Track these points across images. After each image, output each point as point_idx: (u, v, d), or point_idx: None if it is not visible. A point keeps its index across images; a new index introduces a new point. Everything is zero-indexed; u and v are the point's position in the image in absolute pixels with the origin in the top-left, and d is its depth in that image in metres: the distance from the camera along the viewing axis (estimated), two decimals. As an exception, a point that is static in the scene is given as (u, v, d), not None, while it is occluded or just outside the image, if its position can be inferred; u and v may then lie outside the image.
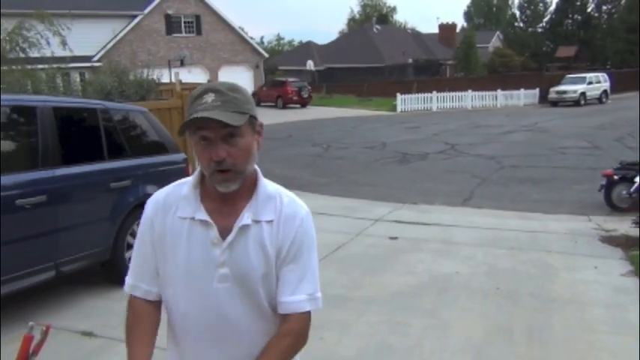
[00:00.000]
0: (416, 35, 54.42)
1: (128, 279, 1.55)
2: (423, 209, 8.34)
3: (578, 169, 11.38)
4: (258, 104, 32.16)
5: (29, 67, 11.34)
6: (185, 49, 31.01)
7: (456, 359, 3.72)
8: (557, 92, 30.06)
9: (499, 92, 31.72)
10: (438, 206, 8.60)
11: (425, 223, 7.37)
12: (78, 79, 14.88)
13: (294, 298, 1.45)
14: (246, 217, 1.43)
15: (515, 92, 32.16)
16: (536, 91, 32.65)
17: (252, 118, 1.44)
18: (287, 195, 1.51)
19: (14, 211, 3.82)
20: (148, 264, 1.51)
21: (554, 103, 29.82)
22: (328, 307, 4.53)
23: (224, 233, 1.43)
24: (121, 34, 29.41)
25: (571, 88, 29.71)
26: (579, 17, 52.23)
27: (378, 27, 51.69)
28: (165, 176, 5.25)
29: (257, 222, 1.44)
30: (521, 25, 57.82)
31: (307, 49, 49.70)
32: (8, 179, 3.86)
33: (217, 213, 1.45)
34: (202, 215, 1.44)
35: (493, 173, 11.33)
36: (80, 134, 4.83)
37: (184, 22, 32.78)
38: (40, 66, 11.52)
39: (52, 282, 4.18)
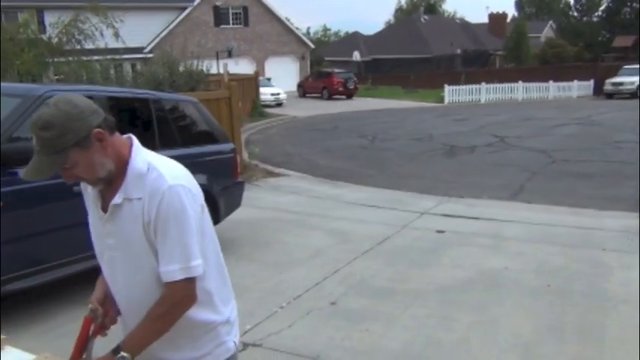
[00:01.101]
0: (465, 25, 53.30)
1: None
2: (470, 203, 8.18)
3: (634, 164, 10.92)
4: (303, 95, 32.34)
5: (85, 58, 11.71)
6: (233, 41, 31.36)
7: (504, 356, 3.65)
8: (613, 84, 28.89)
9: (551, 84, 30.76)
10: (486, 200, 8.42)
11: (472, 217, 7.24)
12: (130, 70, 15.29)
13: (167, 268, 1.57)
14: (117, 197, 1.60)
15: (568, 84, 31.12)
16: (591, 82, 31.49)
17: (78, 142, 1.50)
18: (156, 170, 1.60)
19: (71, 198, 3.96)
20: None
21: (610, 95, 28.69)
22: (374, 299, 4.59)
23: (107, 209, 1.64)
24: (171, 26, 30.01)
25: (628, 79, 28.48)
26: (638, 5, 49.94)
27: (425, 17, 50.91)
28: (214, 165, 5.34)
29: (129, 200, 1.59)
30: (576, 14, 55.78)
31: (354, 39, 49.46)
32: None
33: (106, 193, 1.64)
34: (94, 195, 1.67)
35: (544, 167, 11.00)
36: (133, 124, 4.95)
37: (232, 14, 33.15)
38: (95, 57, 11.89)
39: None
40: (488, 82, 30.41)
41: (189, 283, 1.59)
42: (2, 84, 5.50)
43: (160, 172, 1.58)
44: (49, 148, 1.49)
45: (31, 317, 4.05)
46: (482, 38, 49.41)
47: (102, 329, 1.72)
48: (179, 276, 1.56)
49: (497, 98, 29.79)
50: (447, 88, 29.48)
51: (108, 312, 1.73)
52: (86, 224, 4.35)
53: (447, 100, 29.11)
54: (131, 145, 1.64)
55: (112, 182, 1.61)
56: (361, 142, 14.97)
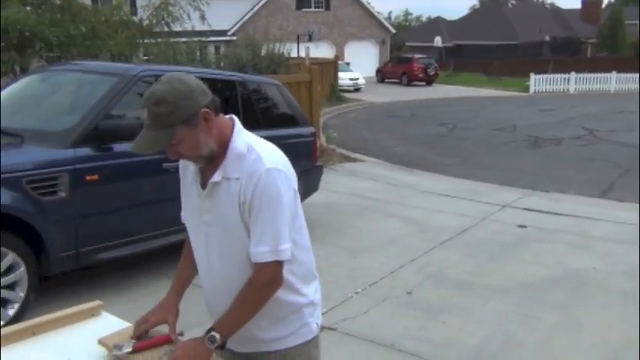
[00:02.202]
0: (555, 11, 50.70)
1: (181, 212, 1.86)
2: (555, 198, 7.81)
3: None
4: (382, 81, 31.98)
5: (172, 40, 12.10)
6: (313, 24, 31.43)
7: (590, 361, 3.47)
8: None
9: (648, 75, 28.70)
10: (573, 196, 8.01)
11: (557, 213, 6.91)
12: (213, 52, 15.67)
13: (257, 249, 1.59)
14: (216, 175, 1.63)
15: (667, 75, 28.91)
16: (695, 74, 29.11)
17: (186, 120, 1.53)
18: (255, 152, 1.61)
19: (161, 174, 4.13)
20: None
21: None
22: (451, 290, 4.49)
23: (206, 186, 1.67)
24: (255, 9, 30.48)
25: None
26: None
27: (513, 2, 48.85)
28: (294, 148, 5.38)
29: (227, 179, 1.61)
30: (681, -1, 51.53)
31: (435, 25, 48.26)
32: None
33: (206, 171, 1.67)
34: (194, 172, 1.71)
35: (637, 164, 10.32)
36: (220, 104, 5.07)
37: (314, -3, 33.19)
38: (181, 39, 12.26)
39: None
40: (578, 71, 28.76)
41: (277, 265, 1.61)
42: (99, 63, 5.80)
43: (259, 155, 1.60)
44: (159, 124, 1.53)
45: (122, 286, 4.27)
46: (574, 25, 46.76)
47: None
48: (268, 258, 1.59)
49: (587, 89, 28.18)
50: (533, 76, 28.19)
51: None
52: (172, 200, 4.50)
53: (532, 90, 27.87)
54: (233, 125, 1.67)
55: (212, 161, 1.64)
56: (440, 130, 14.64)
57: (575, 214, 6.86)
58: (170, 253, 4.92)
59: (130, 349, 1.65)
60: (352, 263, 4.99)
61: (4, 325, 3.41)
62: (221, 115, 1.65)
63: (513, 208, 7.13)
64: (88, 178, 3.83)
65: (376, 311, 4.07)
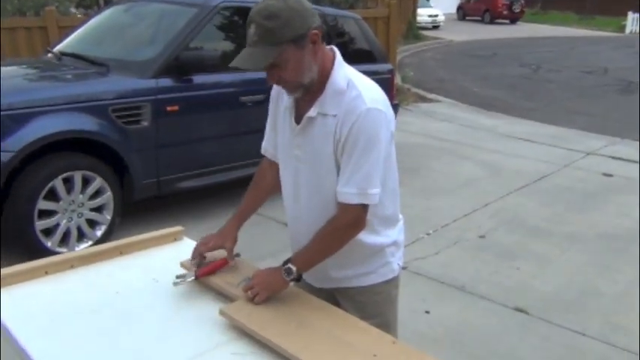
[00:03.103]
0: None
1: (263, 142, 1.85)
2: (646, 147, 7.31)
3: None
4: (463, 18, 30.50)
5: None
6: (393, -43, 30.08)
7: (674, 318, 3.30)
8: None
9: None
10: (667, 145, 7.46)
11: (647, 163, 6.49)
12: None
13: (345, 190, 1.54)
14: (312, 110, 1.56)
15: None
16: None
17: (295, 39, 1.46)
18: (356, 89, 1.53)
19: (238, 107, 4.18)
20: (272, 134, 1.80)
21: None
22: (526, 237, 4.36)
23: (300, 121, 1.61)
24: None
25: None
26: None
27: None
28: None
29: (324, 115, 1.55)
30: None
31: (524, -43, 44.94)
32: (234, 77, 4.22)
33: (300, 105, 1.61)
34: (289, 105, 1.64)
35: None
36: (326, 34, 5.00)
37: None
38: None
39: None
40: (683, 9, 26.24)
41: (363, 208, 1.56)
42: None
43: (360, 92, 1.52)
44: (268, 39, 1.45)
45: (199, 215, 4.43)
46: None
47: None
48: (355, 200, 1.54)
49: (692, 29, 25.72)
50: (631, 15, 25.96)
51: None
52: (248, 133, 4.58)
53: (628, 30, 25.76)
54: (334, 57, 1.58)
55: (309, 94, 1.57)
56: (522, 72, 13.90)
57: (667, 165, 6.41)
58: (245, 186, 5.05)
59: (192, 277, 1.71)
60: (424, 204, 4.93)
61: (94, 245, 3.66)
62: (324, 44, 1.57)
63: (599, 156, 6.75)
64: (168, 108, 3.93)
65: (447, 253, 4.04)
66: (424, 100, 10.04)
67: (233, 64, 1.50)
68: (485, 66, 14.81)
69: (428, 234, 4.35)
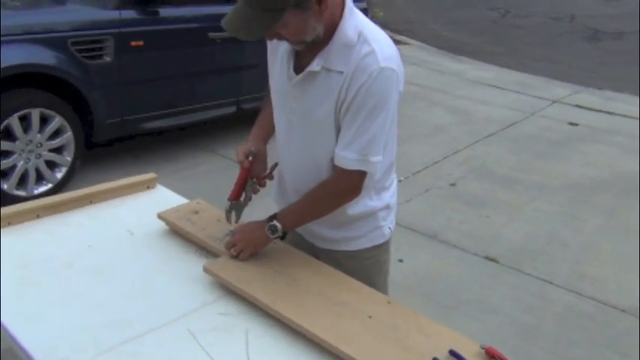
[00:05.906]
0: None
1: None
2: (608, 96, 7.41)
3: None
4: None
5: None
6: None
7: (636, 267, 3.41)
8: None
9: None
10: (629, 95, 7.57)
11: (610, 112, 6.58)
12: None
13: (344, 154, 1.40)
14: (315, 64, 1.38)
15: None
16: None
17: (299, 3, 1.25)
18: (368, 44, 1.34)
19: (208, 44, 3.95)
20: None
21: None
22: (495, 185, 4.39)
23: (299, 72, 1.43)
24: None
25: None
26: None
27: None
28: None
29: (328, 70, 1.38)
30: None
31: None
32: (204, 10, 3.97)
33: (303, 53, 1.42)
34: (287, 50, 1.45)
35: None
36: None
37: None
38: None
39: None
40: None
41: (361, 175, 1.44)
42: None
43: (373, 49, 1.34)
44: (266, 3, 1.25)
45: (166, 159, 4.22)
46: None
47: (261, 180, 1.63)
48: (354, 166, 1.41)
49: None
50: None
51: (260, 174, 1.62)
52: (217, 72, 4.33)
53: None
54: (343, 5, 1.37)
55: (313, 44, 1.37)
56: (491, 16, 13.76)
57: (630, 115, 6.53)
58: (212, 129, 4.87)
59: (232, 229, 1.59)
60: (396, 150, 4.88)
61: (53, 188, 3.48)
62: None
63: (564, 105, 6.81)
64: (133, 43, 3.67)
65: (419, 200, 4.03)
66: (393, 42, 9.84)
67: (223, 25, 1.29)
68: (454, 8, 14.56)
69: (399, 181, 4.30)
